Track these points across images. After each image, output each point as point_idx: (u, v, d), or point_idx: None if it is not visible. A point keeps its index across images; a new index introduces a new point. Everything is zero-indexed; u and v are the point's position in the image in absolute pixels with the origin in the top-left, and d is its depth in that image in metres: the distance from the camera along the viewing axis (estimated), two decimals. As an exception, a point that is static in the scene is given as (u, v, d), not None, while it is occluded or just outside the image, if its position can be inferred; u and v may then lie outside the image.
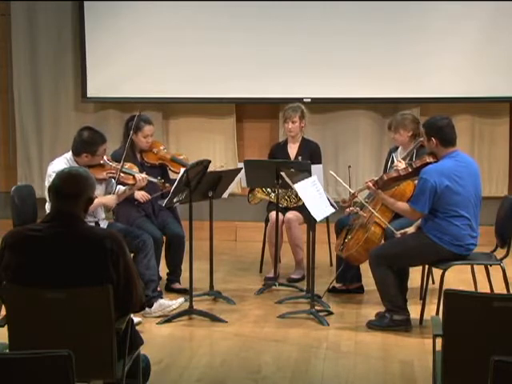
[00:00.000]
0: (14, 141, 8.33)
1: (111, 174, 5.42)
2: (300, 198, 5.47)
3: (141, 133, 5.92)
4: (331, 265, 6.77)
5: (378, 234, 5.51)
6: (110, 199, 5.35)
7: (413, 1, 7.52)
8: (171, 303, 5.44)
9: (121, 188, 5.55)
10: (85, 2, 7.89)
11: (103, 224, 5.41)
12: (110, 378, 3.34)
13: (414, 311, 5.21)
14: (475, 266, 5.53)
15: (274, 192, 6.30)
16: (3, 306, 3.36)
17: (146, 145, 5.99)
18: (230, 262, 7.12)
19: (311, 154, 6.47)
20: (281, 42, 7.70)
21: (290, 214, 6.34)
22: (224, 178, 5.65)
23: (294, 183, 5.21)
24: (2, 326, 3.38)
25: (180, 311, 5.40)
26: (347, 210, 5.72)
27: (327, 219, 6.61)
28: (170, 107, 8.14)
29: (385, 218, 5.46)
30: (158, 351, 4.65)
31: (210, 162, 5.46)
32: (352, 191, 5.73)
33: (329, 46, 7.69)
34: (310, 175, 5.49)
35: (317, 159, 6.40)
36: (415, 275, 5.67)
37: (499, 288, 5.23)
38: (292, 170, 5.61)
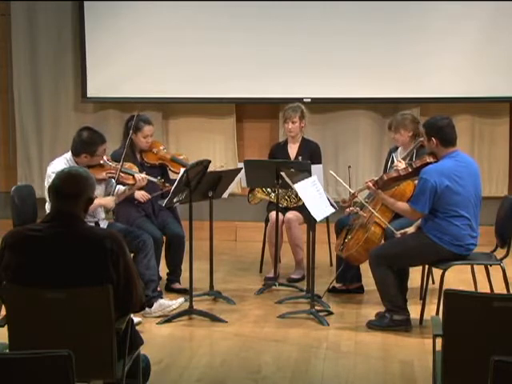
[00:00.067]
0: (14, 141, 8.33)
1: (111, 174, 5.42)
2: (300, 198, 5.47)
3: (140, 133, 5.92)
4: (331, 265, 6.77)
5: (378, 234, 5.51)
6: (109, 200, 5.35)
7: (413, 1, 7.52)
8: (171, 303, 5.44)
9: (121, 188, 5.55)
10: (85, 2, 7.89)
11: (103, 224, 5.41)
12: (110, 377, 3.34)
13: (413, 311, 5.21)
14: (475, 266, 5.53)
15: (274, 192, 6.30)
16: (3, 306, 3.36)
17: (146, 145, 5.99)
18: (230, 262, 7.12)
19: (311, 154, 6.47)
20: (281, 42, 7.70)
21: (290, 214, 6.34)
22: (224, 177, 5.65)
23: (294, 183, 5.21)
24: (2, 326, 3.38)
25: (180, 311, 5.40)
26: (347, 209, 5.72)
27: (327, 219, 6.61)
28: (170, 107, 8.14)
29: (385, 217, 5.46)
30: (158, 351, 4.65)
31: (209, 162, 5.46)
32: (352, 191, 5.73)
33: (329, 46, 7.69)
34: (310, 175, 5.48)
35: (317, 159, 6.40)
36: (415, 275, 5.67)
37: (499, 288, 5.23)
38: (292, 169, 5.61)
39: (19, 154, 8.30)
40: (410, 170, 5.12)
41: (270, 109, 8.07)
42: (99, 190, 5.29)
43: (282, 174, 5.44)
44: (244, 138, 8.23)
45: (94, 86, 7.99)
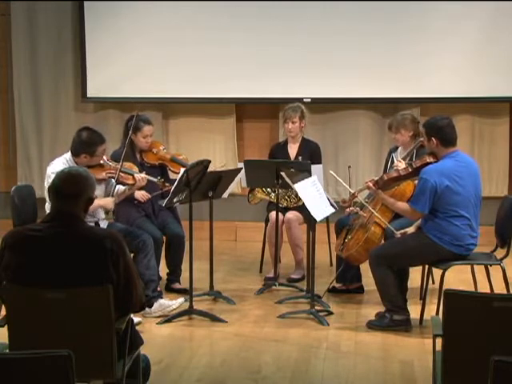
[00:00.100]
0: (14, 141, 8.33)
1: (111, 174, 5.42)
2: (300, 198, 5.47)
3: (140, 133, 5.92)
4: (331, 265, 6.77)
5: (378, 234, 5.51)
6: (108, 201, 5.35)
7: (413, 1, 7.52)
8: (171, 303, 5.44)
9: (120, 188, 5.55)
10: (85, 2, 7.89)
11: (103, 224, 5.41)
12: (110, 377, 3.34)
13: (413, 311, 5.21)
14: (475, 266, 5.53)
15: (274, 192, 6.30)
16: (3, 306, 3.36)
17: (146, 145, 5.99)
18: (230, 262, 7.12)
19: (311, 154, 6.47)
20: (281, 42, 7.70)
21: (290, 214, 6.34)
22: (224, 178, 5.65)
23: (294, 183, 5.21)
24: (2, 326, 3.38)
25: (180, 311, 5.40)
26: (347, 210, 5.72)
27: (327, 219, 6.61)
28: (170, 107, 8.14)
29: (385, 218, 5.46)
30: (158, 351, 4.65)
31: (209, 161, 5.46)
32: (352, 191, 5.73)
33: (329, 46, 7.69)
34: (310, 175, 5.48)
35: (317, 159, 6.40)
36: (415, 275, 5.67)
37: (499, 288, 5.23)
38: (292, 169, 5.61)
39: (19, 154, 8.30)
40: (410, 169, 5.12)
41: (269, 109, 8.07)
42: (99, 190, 5.29)
43: (282, 174, 5.44)
44: (244, 138, 8.23)
45: (93, 86, 7.99)
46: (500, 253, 5.19)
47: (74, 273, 3.26)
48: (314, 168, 5.84)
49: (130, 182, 5.51)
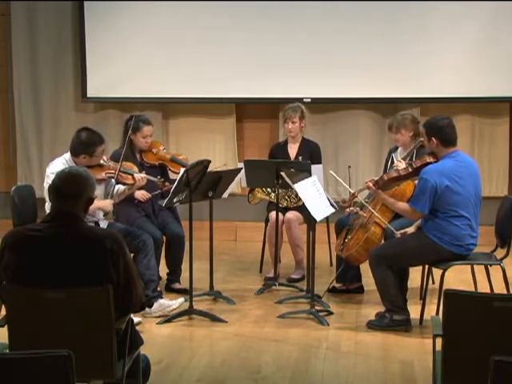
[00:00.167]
0: (14, 141, 8.33)
1: (110, 174, 5.43)
2: (300, 198, 5.47)
3: (140, 133, 5.92)
4: (331, 265, 6.76)
5: (378, 234, 5.51)
6: (107, 203, 5.33)
7: (413, 1, 7.52)
8: (171, 303, 5.44)
9: (120, 187, 5.55)
10: (85, 2, 7.89)
11: (103, 224, 5.41)
12: (110, 377, 3.34)
13: (414, 311, 5.21)
14: (475, 266, 5.53)
15: (274, 192, 6.30)
16: (3, 306, 3.36)
17: (146, 145, 5.99)
18: (230, 262, 7.12)
19: (311, 154, 6.47)
20: (281, 42, 7.70)
21: (290, 214, 6.34)
22: (224, 177, 5.65)
23: (294, 183, 5.21)
24: (2, 326, 3.38)
25: (180, 311, 5.40)
26: (347, 209, 5.72)
27: (327, 219, 6.61)
28: (170, 107, 8.14)
29: (385, 218, 5.46)
30: (158, 351, 4.65)
31: (209, 162, 5.46)
32: (352, 191, 5.73)
33: (329, 46, 7.69)
34: (310, 175, 5.48)
35: (317, 159, 6.40)
36: (415, 275, 5.67)
37: (499, 288, 5.23)
38: (292, 169, 5.61)
39: (19, 154, 8.30)
40: (410, 170, 5.12)
41: (269, 109, 8.07)
42: (99, 190, 5.29)
43: (282, 174, 5.44)
44: (244, 138, 8.23)
45: (93, 85, 7.99)
46: (500, 253, 5.19)
47: (73, 273, 3.26)
48: (314, 168, 5.84)
49: (130, 181, 5.52)
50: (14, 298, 3.30)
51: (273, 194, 6.38)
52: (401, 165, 5.33)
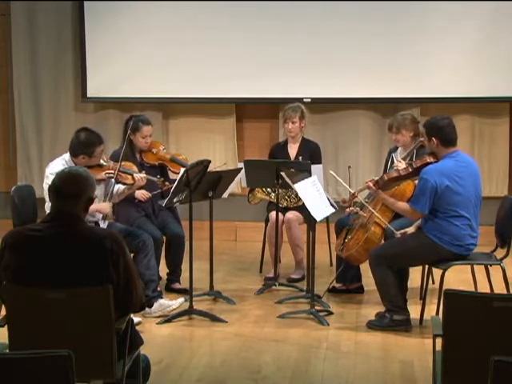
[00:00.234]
0: (14, 141, 8.33)
1: (110, 174, 5.42)
2: (300, 198, 5.47)
3: (139, 133, 5.92)
4: (331, 265, 6.76)
5: (377, 234, 5.51)
6: (105, 206, 5.33)
7: (413, 1, 7.52)
8: (171, 303, 5.44)
9: (120, 187, 5.55)
10: (85, 2, 7.89)
11: (103, 224, 5.41)
12: (110, 377, 3.34)
13: (414, 311, 5.21)
14: (475, 266, 5.53)
15: (274, 192, 6.30)
16: (3, 306, 3.36)
17: (145, 145, 5.99)
18: (230, 262, 7.12)
19: (311, 154, 6.47)
20: (281, 42, 7.70)
21: (290, 214, 6.34)
22: (224, 177, 5.65)
23: (294, 183, 5.21)
24: (2, 326, 3.38)
25: (180, 311, 5.40)
26: (347, 209, 5.72)
27: (327, 219, 6.61)
28: (170, 107, 8.14)
29: (385, 217, 5.46)
30: (158, 351, 4.65)
31: (209, 162, 5.46)
32: (352, 191, 5.73)
33: (329, 46, 7.69)
34: (310, 175, 5.48)
35: (317, 159, 6.40)
36: (415, 275, 5.67)
37: (499, 288, 5.23)
38: (292, 169, 5.61)
39: (19, 154, 8.30)
40: (411, 169, 5.12)
41: (269, 109, 8.07)
42: (98, 190, 5.28)
43: (282, 174, 5.44)
44: (244, 138, 8.23)
45: (94, 85, 7.99)
46: (500, 253, 5.19)
47: (73, 273, 3.26)
48: (314, 168, 5.84)
49: (130, 181, 5.52)
50: (14, 297, 3.30)
51: (273, 194, 6.38)
52: (401, 165, 5.33)
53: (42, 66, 8.16)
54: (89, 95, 8.03)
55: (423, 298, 5.28)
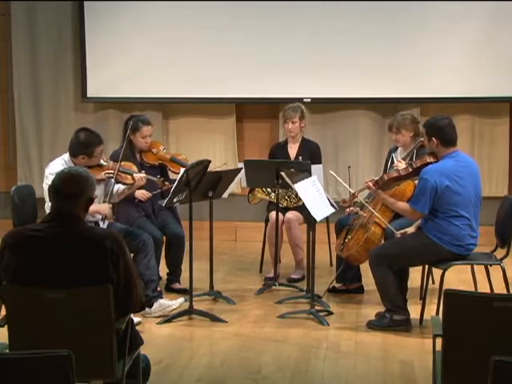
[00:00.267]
0: (14, 141, 8.33)
1: (109, 174, 5.42)
2: (300, 198, 5.47)
3: (139, 133, 5.92)
4: (331, 265, 6.76)
5: (378, 234, 5.51)
6: (104, 207, 5.32)
7: (413, 1, 7.52)
8: (171, 303, 5.44)
9: (120, 187, 5.55)
10: (85, 2, 7.89)
11: (103, 224, 5.41)
12: (110, 377, 3.34)
13: (413, 311, 5.21)
14: (475, 266, 5.53)
15: (274, 192, 6.30)
16: (3, 306, 3.36)
17: (145, 145, 5.99)
18: (230, 262, 7.12)
19: (311, 154, 6.47)
20: (281, 42, 7.70)
21: (290, 214, 6.34)
22: (224, 178, 5.65)
23: (294, 183, 5.21)
24: (2, 326, 3.38)
25: (180, 311, 5.40)
26: (347, 209, 5.72)
27: (327, 219, 6.61)
28: (170, 107, 8.14)
29: (385, 217, 5.46)
30: (158, 351, 4.65)
31: (209, 161, 5.46)
32: (352, 191, 5.73)
33: (329, 46, 7.69)
34: (310, 175, 5.49)
35: (317, 159, 6.40)
36: (415, 275, 5.67)
37: (499, 288, 5.23)
38: (292, 170, 5.61)
39: (19, 154, 8.30)
40: (411, 169, 5.12)
41: (269, 109, 8.07)
42: (98, 190, 5.28)
43: (282, 174, 5.44)
44: (244, 138, 8.23)
45: (94, 86, 7.99)
46: (500, 253, 5.19)
47: (73, 273, 3.26)
48: (314, 168, 5.84)
49: (129, 181, 5.52)
50: (14, 297, 3.30)
51: (273, 194, 6.38)
52: (401, 165, 5.33)
53: (42, 66, 8.16)
54: (89, 95, 8.03)
55: (423, 298, 5.28)
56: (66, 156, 5.35)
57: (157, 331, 5.16)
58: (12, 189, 5.66)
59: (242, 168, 5.99)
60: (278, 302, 5.75)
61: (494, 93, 7.55)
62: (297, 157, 6.45)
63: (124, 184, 5.53)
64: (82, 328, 3.27)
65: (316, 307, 5.42)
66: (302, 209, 5.72)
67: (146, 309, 5.20)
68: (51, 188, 3.38)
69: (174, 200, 5.38)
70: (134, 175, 5.51)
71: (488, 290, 5.22)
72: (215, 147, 8.13)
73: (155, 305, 5.40)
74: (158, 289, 5.61)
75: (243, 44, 7.78)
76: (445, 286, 4.55)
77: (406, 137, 5.83)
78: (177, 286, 6.03)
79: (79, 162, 5.23)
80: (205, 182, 5.48)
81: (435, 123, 5.01)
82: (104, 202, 5.41)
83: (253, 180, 6.14)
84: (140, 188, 5.71)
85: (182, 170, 5.33)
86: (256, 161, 6.47)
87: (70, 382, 2.57)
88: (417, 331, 5.10)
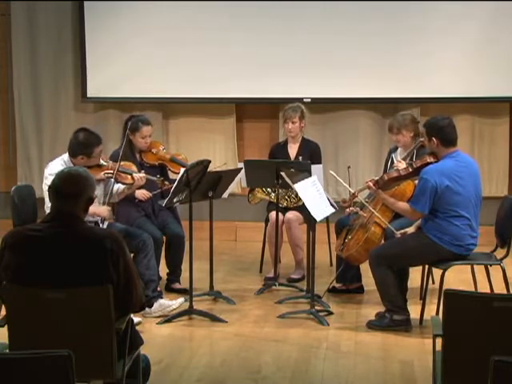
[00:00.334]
0: (14, 141, 8.33)
1: (109, 174, 5.42)
2: (300, 198, 5.47)
3: (138, 133, 5.92)
4: (331, 265, 6.76)
5: (378, 234, 5.51)
6: (104, 209, 5.31)
7: (413, 1, 7.52)
8: (171, 303, 5.44)
9: (120, 187, 5.55)
10: (85, 2, 7.89)
11: (103, 225, 5.40)
12: (110, 377, 3.34)
13: (414, 311, 5.21)
14: (475, 266, 5.53)
15: (274, 192, 6.30)
16: (3, 306, 3.36)
17: (145, 145, 5.99)
18: (230, 262, 7.12)
19: (311, 154, 6.47)
20: (281, 42, 7.70)
21: (290, 214, 6.34)
22: (224, 178, 5.65)
23: (294, 183, 5.21)
24: (2, 326, 3.38)
25: (180, 311, 5.40)
26: (347, 209, 5.72)
27: (327, 219, 6.61)
28: (170, 107, 8.14)
29: (385, 217, 5.46)
30: (158, 351, 4.65)
31: (209, 161, 5.46)
32: (352, 191, 5.73)
33: (329, 46, 7.69)
34: (310, 175, 5.49)
35: (317, 159, 6.40)
36: (415, 275, 5.67)
37: (499, 288, 5.23)
38: (292, 169, 5.61)
39: (19, 154, 8.30)
40: (411, 169, 5.12)
41: (270, 109, 8.07)
42: (98, 190, 5.28)
43: (282, 174, 5.44)
44: (244, 138, 8.23)
45: (94, 85, 7.99)
46: (500, 253, 5.19)
47: (73, 273, 3.26)
48: (314, 168, 5.84)
49: (129, 181, 5.52)
50: (14, 297, 3.30)
51: (273, 194, 6.38)
52: (401, 165, 5.33)
53: (42, 66, 8.16)
54: (89, 95, 8.03)
55: (423, 298, 5.28)
56: (66, 156, 5.34)
57: (157, 331, 5.16)
58: (12, 189, 5.66)
59: (241, 168, 5.99)
60: (278, 302, 5.75)
61: (493, 93, 7.55)
62: (297, 157, 6.45)
63: (124, 184, 5.53)
64: (82, 328, 3.27)
65: (316, 307, 5.42)
66: (302, 209, 5.72)
67: (146, 309, 5.20)
68: (51, 188, 3.38)
69: (174, 200, 5.38)
70: (134, 175, 5.51)
71: (488, 290, 5.22)
72: (215, 147, 8.13)
73: (155, 305, 5.40)
74: (158, 289, 5.61)
75: (243, 44, 7.78)
76: (445, 286, 4.55)
77: (406, 137, 5.82)
78: (177, 285, 6.03)
79: (78, 163, 5.22)
80: (205, 182, 5.48)
81: (435, 123, 5.01)
82: (104, 201, 5.40)
83: (253, 180, 6.14)
84: (140, 188, 5.71)
85: (182, 169, 5.33)
86: (256, 161, 6.47)
87: (69, 382, 2.57)
88: (417, 331, 5.10)
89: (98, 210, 5.26)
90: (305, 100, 7.44)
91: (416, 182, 5.20)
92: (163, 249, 5.88)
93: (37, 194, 5.99)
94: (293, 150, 6.55)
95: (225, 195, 5.84)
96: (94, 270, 3.27)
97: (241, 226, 8.15)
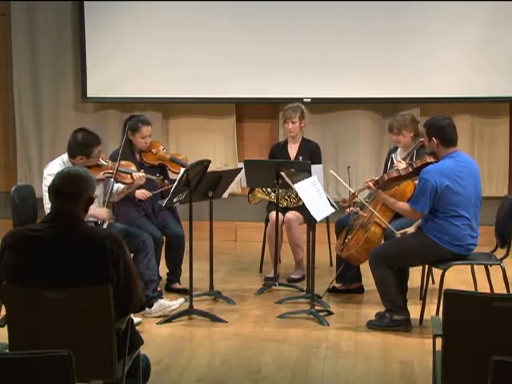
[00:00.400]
0: (14, 141, 8.33)
1: (108, 174, 5.42)
2: (300, 198, 5.47)
3: (138, 133, 5.92)
4: (331, 265, 6.76)
5: (378, 234, 5.51)
6: (103, 212, 5.30)
7: (413, 1, 7.52)
8: (171, 303, 5.44)
9: (120, 187, 5.55)
10: (85, 2, 7.89)
11: (103, 225, 5.40)
12: (110, 377, 3.34)
13: (414, 311, 5.21)
14: (475, 266, 5.53)
15: (274, 192, 6.30)
16: (3, 306, 3.36)
17: (145, 145, 5.99)
18: (230, 262, 7.12)
19: (311, 154, 6.47)
20: (281, 42, 7.70)
21: (290, 214, 6.34)
22: (224, 177, 5.65)
23: (294, 183, 5.21)
24: (2, 326, 3.38)
25: (180, 311, 5.40)
26: (347, 209, 5.72)
27: (327, 219, 6.61)
28: (170, 107, 8.14)
29: (385, 217, 5.46)
30: (158, 351, 4.65)
31: (209, 161, 5.46)
32: (352, 191, 5.73)
33: (329, 46, 7.68)
34: (310, 175, 5.49)
35: (317, 159, 6.40)
36: (415, 275, 5.67)
37: (499, 288, 5.23)
38: (292, 169, 5.61)
39: (19, 154, 8.30)
40: (411, 169, 5.12)
41: (270, 109, 8.07)
42: (97, 190, 5.26)
43: (282, 174, 5.44)
44: (244, 138, 8.23)
45: (94, 86, 7.99)
46: (500, 253, 5.19)
47: (73, 273, 3.26)
48: (314, 168, 5.84)
49: (129, 180, 5.52)
50: (14, 297, 3.30)
51: (273, 194, 6.38)
52: (401, 165, 5.33)
53: (42, 66, 8.16)
54: (89, 95, 8.03)
55: (423, 298, 5.28)
56: (65, 156, 5.34)
57: (157, 331, 5.16)
58: (12, 189, 5.66)
59: (241, 168, 5.99)
60: (278, 302, 5.75)
61: (493, 93, 7.55)
62: (297, 157, 6.45)
63: (123, 183, 5.53)
64: (82, 328, 3.27)
65: (316, 307, 5.42)
66: (302, 209, 5.72)
67: (146, 309, 5.20)
68: (51, 188, 3.37)
69: (174, 200, 5.38)
70: (133, 174, 5.51)
71: (488, 290, 5.22)
72: (215, 147, 8.13)
73: (155, 305, 5.40)
74: (158, 289, 5.61)
75: (243, 44, 7.78)
76: (445, 286, 4.55)
77: (406, 137, 5.82)
78: (177, 285, 6.03)
79: (77, 163, 5.22)
80: (205, 182, 5.48)
81: (436, 123, 5.01)
82: (104, 201, 5.40)
83: (253, 180, 6.14)
84: (140, 187, 5.71)
85: (182, 169, 5.33)
86: (256, 161, 6.47)
87: (69, 382, 2.57)
88: (417, 331, 5.10)
89: (98, 212, 5.24)
90: (305, 100, 7.44)
91: (416, 182, 5.20)
92: (163, 249, 5.88)
93: (37, 194, 5.99)
94: (293, 150, 6.55)
95: (225, 195, 5.84)
96: (93, 270, 3.27)
97: (241, 225, 8.15)
